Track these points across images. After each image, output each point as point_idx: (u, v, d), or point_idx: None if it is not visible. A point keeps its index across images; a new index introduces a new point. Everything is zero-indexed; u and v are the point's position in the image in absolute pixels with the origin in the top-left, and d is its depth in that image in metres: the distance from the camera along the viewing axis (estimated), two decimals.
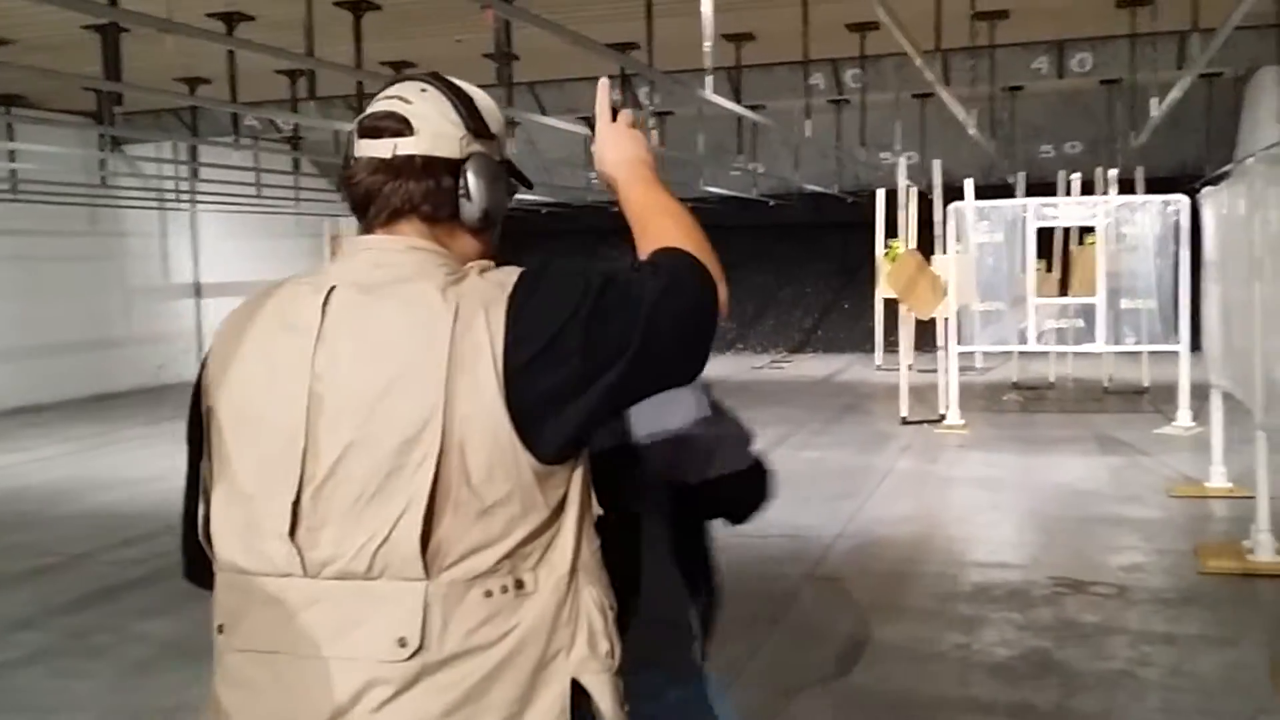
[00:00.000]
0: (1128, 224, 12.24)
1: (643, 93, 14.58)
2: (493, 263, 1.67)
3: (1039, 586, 6.21)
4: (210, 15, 10.11)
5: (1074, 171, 14.87)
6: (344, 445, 1.51)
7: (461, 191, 1.66)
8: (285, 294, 1.65)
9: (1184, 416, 10.95)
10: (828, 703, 4.75)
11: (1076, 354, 13.22)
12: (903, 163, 12.81)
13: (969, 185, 12.94)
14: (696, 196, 19.41)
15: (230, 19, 10.32)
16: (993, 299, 12.29)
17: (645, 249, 1.71)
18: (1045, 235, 13.44)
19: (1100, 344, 11.95)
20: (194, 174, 16.06)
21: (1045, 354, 13.45)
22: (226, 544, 1.60)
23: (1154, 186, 14.53)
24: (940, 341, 12.22)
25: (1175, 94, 8.99)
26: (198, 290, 18.47)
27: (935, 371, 12.58)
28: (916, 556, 7.00)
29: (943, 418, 11.75)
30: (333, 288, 1.59)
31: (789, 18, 10.75)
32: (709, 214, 22.33)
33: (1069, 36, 13.62)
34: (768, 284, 22.82)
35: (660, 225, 1.75)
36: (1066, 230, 14.30)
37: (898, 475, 9.47)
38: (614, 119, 1.89)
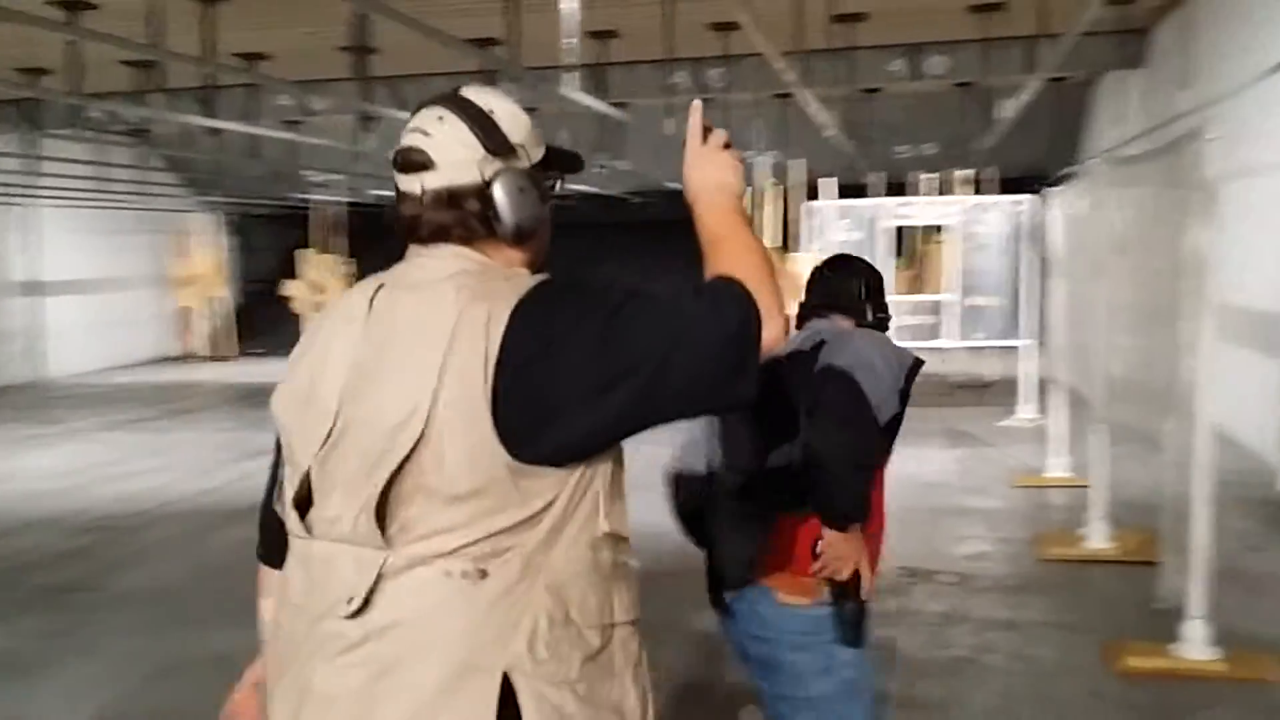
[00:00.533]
0: (979, 223, 12.62)
1: (505, 89, 14.46)
2: (527, 270, 1.78)
3: (886, 577, 6.32)
4: (49, 3, 9.68)
5: (930, 172, 15.28)
6: (351, 422, 1.65)
7: (490, 212, 1.74)
8: (352, 291, 1.81)
9: (1027, 409, 11.33)
10: (670, 697, 4.75)
11: (927, 348, 13.55)
12: (765, 161, 12.96)
13: (829, 184, 13.19)
14: (558, 194, 19.33)
15: (72, 7, 9.89)
16: None
17: (707, 275, 1.75)
18: (900, 233, 13.78)
19: (951, 339, 12.28)
20: (33, 168, 15.36)
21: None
22: (285, 507, 1.76)
23: (1005, 187, 15.03)
24: None
25: (1024, 97, 9.26)
26: (36, 289, 17.66)
27: None
28: None
29: None
30: (381, 285, 1.75)
31: (652, 16, 10.78)
32: (572, 212, 22.36)
33: (924, 40, 13.96)
34: (631, 282, 22.89)
35: (722, 254, 1.77)
36: (919, 229, 14.71)
37: None
38: (705, 140, 1.91)
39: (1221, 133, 4.68)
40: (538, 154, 1.82)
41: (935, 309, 12.41)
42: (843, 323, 3.00)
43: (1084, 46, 10.63)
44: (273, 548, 1.86)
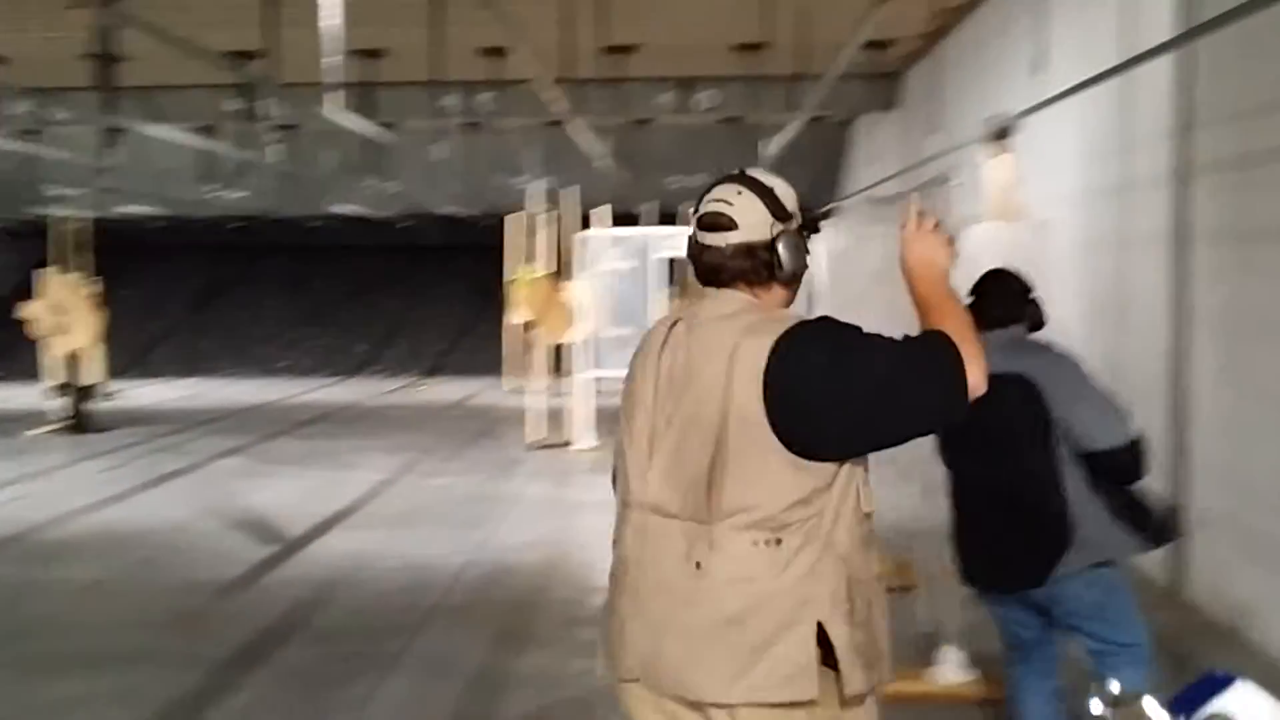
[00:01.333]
0: None
1: (266, 105, 13.91)
2: (787, 309, 2.41)
3: None
4: None
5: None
6: (668, 427, 2.31)
7: (775, 264, 2.35)
8: (663, 320, 2.48)
9: None
10: None
11: None
12: (536, 188, 12.89)
13: (601, 213, 13.23)
14: (321, 216, 18.77)
15: None
16: (623, 325, 12.56)
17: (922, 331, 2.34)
18: (671, 263, 13.94)
19: None
20: None
21: None
22: (621, 485, 2.43)
23: None
24: (572, 365, 12.36)
25: (788, 134, 9.52)
26: None
27: (567, 395, 12.71)
28: (545, 584, 6.95)
29: (570, 442, 11.87)
30: (677, 320, 2.41)
31: (420, 37, 10.57)
32: (336, 234, 21.76)
33: (693, 75, 14.25)
34: (400, 307, 22.42)
35: (934, 316, 2.32)
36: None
37: (528, 501, 9.45)
38: (919, 225, 2.44)
39: (964, 178, 4.89)
40: (799, 218, 2.41)
41: None
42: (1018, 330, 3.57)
43: (842, 88, 11.04)
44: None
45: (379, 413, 15.67)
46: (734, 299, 2.36)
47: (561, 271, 12.77)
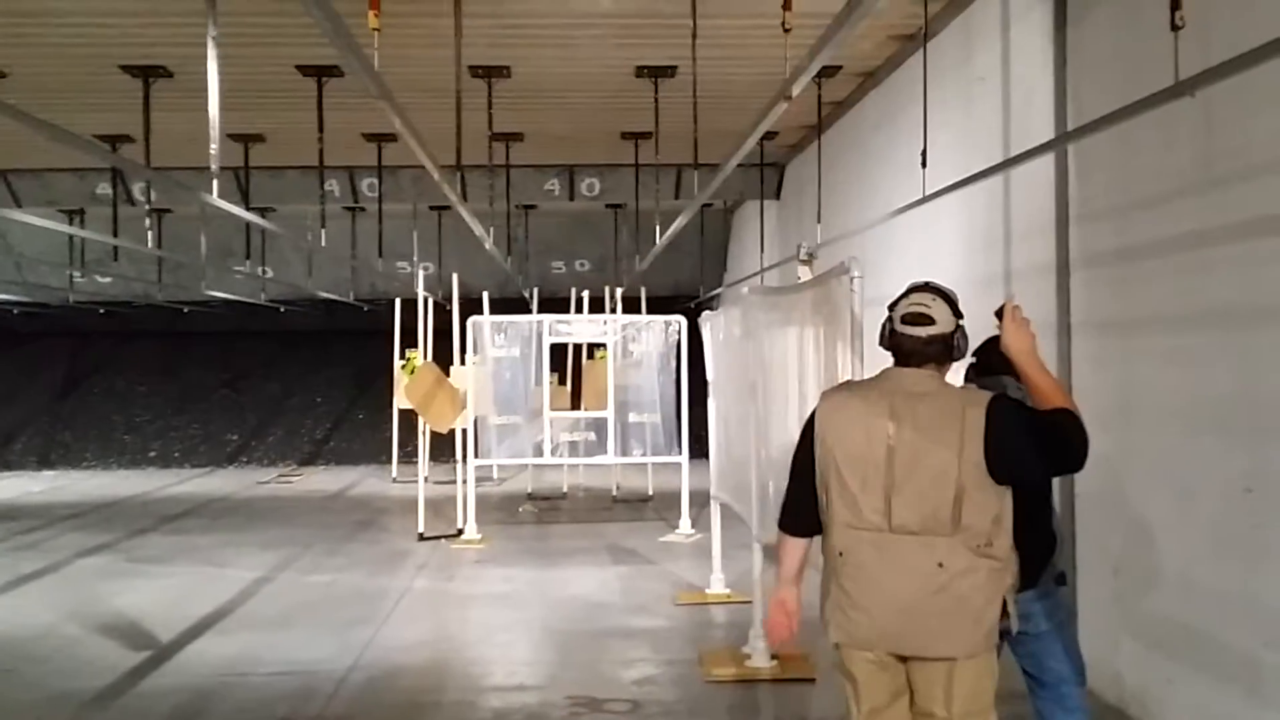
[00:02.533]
0: (634, 341, 12.88)
1: (138, 188, 13.53)
2: (972, 385, 3.85)
3: (556, 708, 6.11)
4: None
5: (584, 288, 15.55)
6: (909, 470, 3.35)
7: (955, 348, 3.51)
8: (866, 393, 3.51)
9: (685, 524, 11.54)
10: None
11: (588, 465, 13.61)
12: (420, 273, 12.71)
13: (486, 298, 13.10)
14: (198, 300, 18.27)
15: None
16: (509, 412, 12.40)
17: (1044, 406, 3.41)
18: (558, 350, 13.85)
19: (611, 456, 12.39)
20: None
21: (559, 465, 13.74)
22: (840, 511, 3.44)
23: (653, 305, 15.52)
24: (458, 454, 12.11)
25: (679, 223, 9.57)
26: None
27: (453, 483, 12.44)
28: (435, 685, 6.68)
29: (460, 532, 11.59)
30: (889, 394, 3.44)
31: (302, 121, 10.40)
32: (210, 319, 21.17)
33: (579, 162, 14.31)
34: (275, 393, 21.83)
35: (1054, 397, 3.42)
36: (578, 346, 14.86)
37: (415, 596, 9.14)
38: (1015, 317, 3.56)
39: (862, 271, 4.93)
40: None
41: (594, 425, 12.50)
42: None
43: (728, 177, 11.20)
44: (801, 526, 3.58)
45: (253, 505, 15.12)
46: (929, 376, 3.46)
47: (448, 356, 12.57)
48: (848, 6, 3.82)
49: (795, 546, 3.62)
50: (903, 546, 3.33)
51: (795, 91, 4.79)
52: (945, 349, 3.47)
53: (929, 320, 3.44)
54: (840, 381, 3.99)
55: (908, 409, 3.38)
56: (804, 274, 6.34)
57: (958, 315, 3.49)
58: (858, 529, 3.38)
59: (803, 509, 3.53)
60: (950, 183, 6.82)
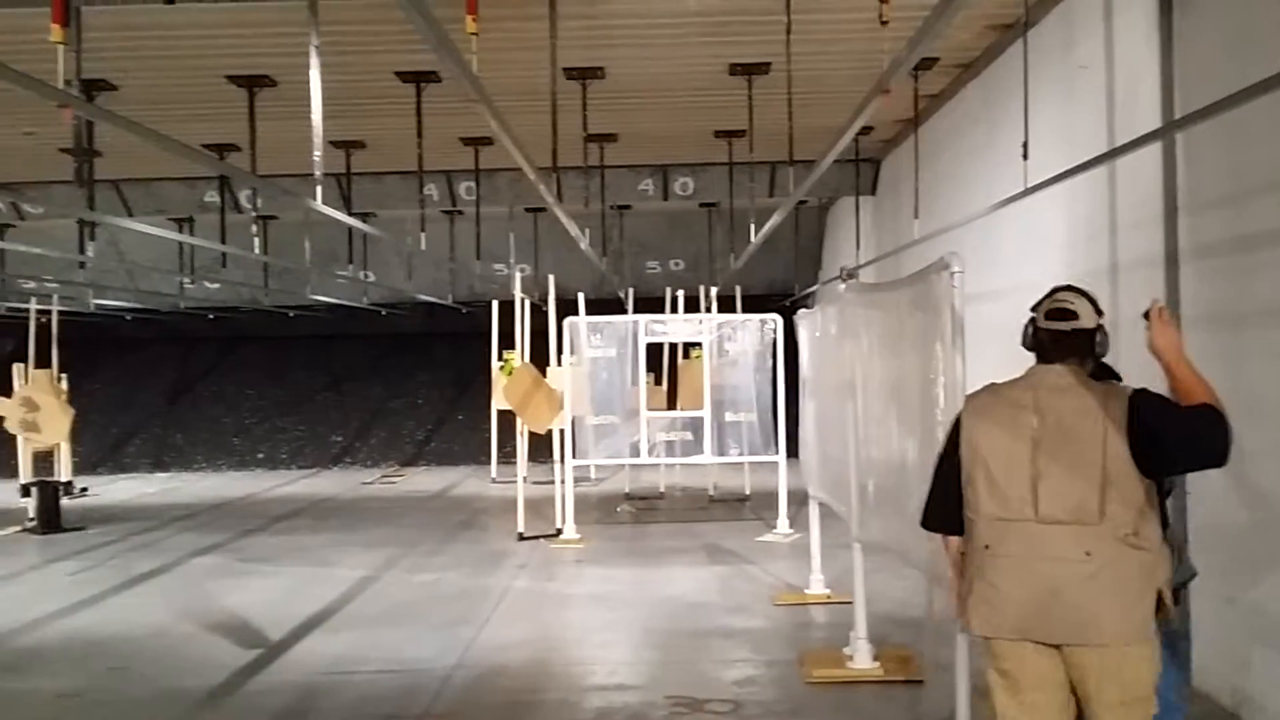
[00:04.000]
0: (729, 340, 12.84)
1: (244, 196, 13.87)
2: (1112, 379, 3.71)
3: (657, 708, 6.11)
4: None
5: (678, 288, 15.56)
6: (1053, 462, 3.48)
7: (1097, 344, 3.65)
8: (1009, 391, 3.67)
9: (783, 524, 11.47)
10: None
11: (684, 464, 13.60)
12: (517, 275, 12.84)
13: (581, 299, 13.17)
14: (303, 304, 18.67)
15: None
16: (606, 412, 12.45)
17: (1189, 402, 3.48)
18: (654, 349, 13.87)
19: (707, 455, 12.37)
20: None
21: (656, 465, 13.76)
22: (987, 505, 3.58)
23: (748, 303, 15.45)
24: (556, 454, 12.20)
25: (775, 220, 9.52)
26: None
27: (550, 484, 12.53)
28: (537, 684, 6.74)
29: (559, 532, 11.67)
30: (1030, 389, 3.61)
31: (401, 127, 10.58)
32: (314, 323, 21.63)
33: (672, 161, 14.32)
34: (378, 395, 22.22)
35: (1198, 391, 3.48)
36: (673, 345, 14.86)
37: (516, 595, 9.22)
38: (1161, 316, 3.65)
39: (962, 266, 4.83)
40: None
41: (691, 425, 12.49)
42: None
43: (824, 173, 11.12)
44: (943, 525, 3.81)
45: (358, 505, 15.41)
46: (1071, 371, 3.58)
47: (545, 357, 12.67)
48: None
49: (950, 544, 3.84)
50: (1050, 535, 3.46)
51: (893, 85, 4.73)
52: (1088, 344, 3.62)
53: (1072, 315, 3.61)
54: (982, 385, 3.85)
55: (1051, 403, 3.53)
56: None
57: (1099, 313, 3.65)
58: (1005, 520, 3.53)
59: (946, 508, 3.74)
60: (1053, 174, 6.67)
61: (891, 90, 4.88)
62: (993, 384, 3.73)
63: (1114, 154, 6.11)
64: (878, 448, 6.33)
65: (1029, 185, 7.02)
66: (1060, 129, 7.78)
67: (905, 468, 5.56)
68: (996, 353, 8.05)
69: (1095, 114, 7.22)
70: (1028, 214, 8.03)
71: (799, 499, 10.55)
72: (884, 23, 6.07)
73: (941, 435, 4.79)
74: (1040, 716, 3.51)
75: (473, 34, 6.22)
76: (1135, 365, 3.92)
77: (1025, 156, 7.15)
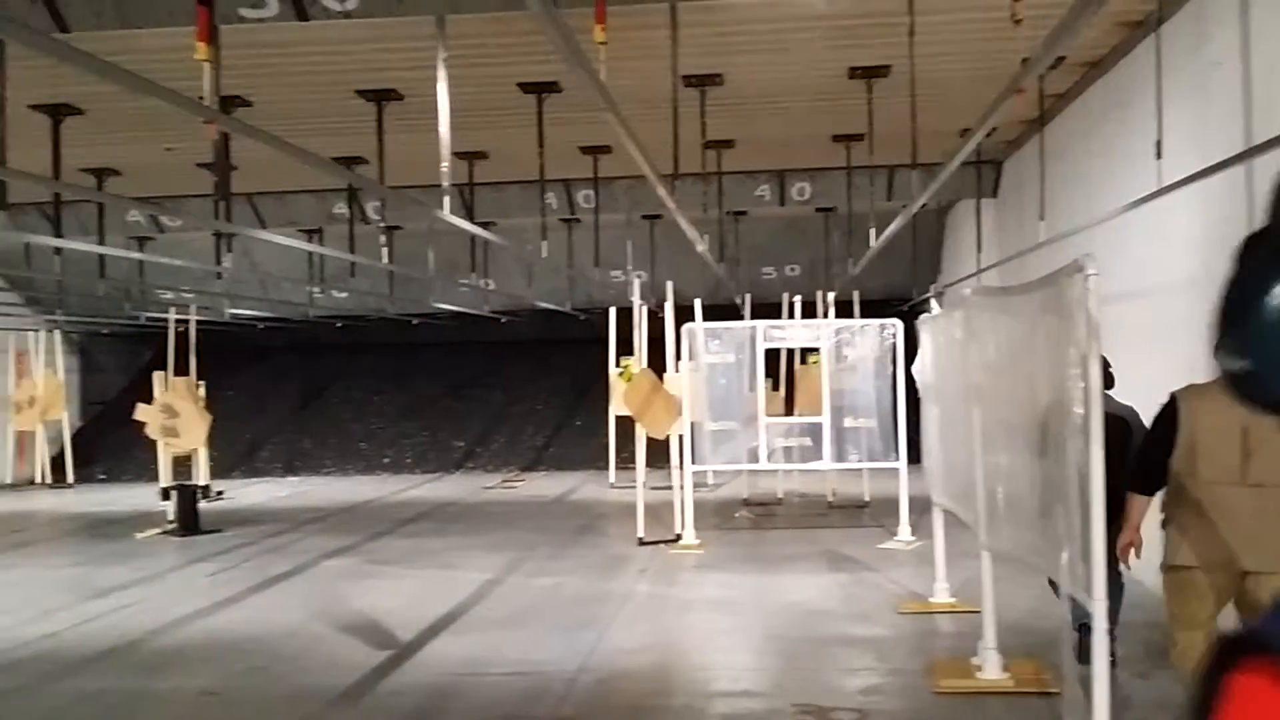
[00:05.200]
0: (848, 346, 12.74)
1: (371, 207, 14.23)
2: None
3: (783, 715, 6.10)
4: None
5: (793, 293, 15.50)
6: (1260, 443, 4.55)
7: None
8: (1214, 388, 3.89)
9: (905, 531, 11.33)
10: None
11: (803, 470, 13.53)
12: (635, 282, 12.92)
13: (698, 304, 13.20)
14: (426, 312, 19.07)
15: None
16: (724, 418, 12.45)
17: None
18: (771, 355, 13.83)
19: (826, 461, 12.29)
20: None
21: (773, 470, 13.70)
22: (1205, 472, 4.67)
23: (865, 308, 15.31)
24: (674, 459, 12.24)
25: (897, 224, 9.44)
26: None
27: (668, 489, 12.58)
28: (661, 689, 6.78)
29: (679, 537, 11.71)
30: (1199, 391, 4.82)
31: (523, 138, 10.74)
32: (436, 330, 22.06)
33: (789, 167, 14.27)
34: (498, 401, 22.57)
35: None
36: (790, 351, 14.80)
37: (637, 600, 9.29)
38: None
39: (1097, 268, 4.73)
40: None
41: (810, 431, 12.42)
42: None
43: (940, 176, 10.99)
44: (1149, 487, 4.97)
45: (480, 509, 15.67)
46: None
47: (661, 363, 12.73)
48: None
49: (1141, 502, 5.00)
50: (1257, 492, 4.56)
51: (1026, 84, 4.66)
52: None
53: None
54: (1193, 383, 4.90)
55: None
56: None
57: None
58: (1218, 484, 4.64)
59: (1153, 474, 4.90)
60: (1188, 174, 6.49)
61: (1023, 90, 4.80)
62: (1190, 385, 4.80)
63: (1252, 153, 5.92)
64: (1007, 454, 6.22)
65: (1163, 185, 6.83)
66: (1193, 127, 7.56)
67: (1039, 475, 5.46)
68: (1127, 355, 7.93)
69: (1231, 112, 7.00)
70: (1159, 215, 7.82)
71: (920, 506, 10.42)
72: (1017, 21, 5.96)
73: (1079, 439, 4.74)
74: (1206, 616, 4.74)
75: (601, 43, 6.29)
76: None
77: (1159, 156, 6.97)
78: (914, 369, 10.50)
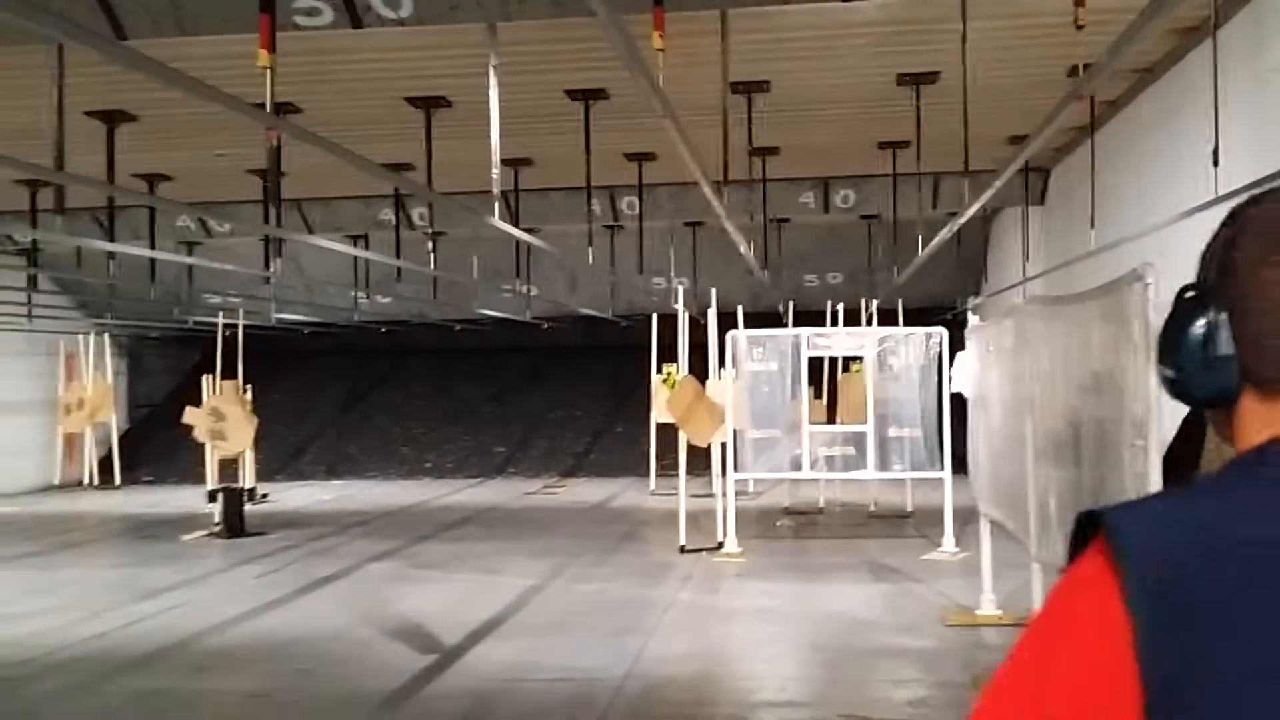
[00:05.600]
0: (893, 354, 12.66)
1: (417, 213, 14.32)
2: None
3: None
4: None
5: (836, 301, 15.43)
6: None
7: None
8: None
9: (949, 541, 11.25)
10: None
11: (845, 479, 13.45)
12: (679, 289, 12.92)
13: (740, 312, 13.17)
14: (469, 318, 19.15)
15: None
16: (767, 426, 12.41)
17: None
18: (814, 363, 13.78)
19: (870, 471, 12.21)
20: None
21: (815, 479, 13.65)
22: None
23: (908, 317, 15.21)
24: (716, 467, 12.21)
25: (947, 231, 9.39)
26: None
27: (708, 496, 12.55)
28: (706, 697, 6.76)
29: (720, 545, 11.67)
30: None
31: (568, 145, 10.77)
32: (478, 336, 22.17)
33: (834, 174, 14.22)
34: (539, 407, 22.63)
35: None
36: (833, 359, 14.74)
37: (680, 608, 9.27)
38: None
39: (1156, 277, 4.68)
40: None
41: (853, 440, 12.36)
42: None
43: (984, 182, 10.91)
44: (1187, 472, 4.39)
45: (522, 514, 15.71)
46: None
47: (703, 370, 12.71)
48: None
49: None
50: None
51: (1087, 90, 4.62)
52: None
53: None
54: None
55: None
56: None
57: None
58: None
59: (1183, 464, 4.58)
60: (1245, 183, 6.39)
61: (1084, 96, 4.76)
62: None
63: None
64: (1059, 465, 6.16)
65: (1219, 194, 6.74)
66: (1248, 135, 7.46)
67: (1093, 485, 5.41)
68: None
69: None
70: (1213, 223, 7.71)
71: (964, 516, 10.33)
72: (1080, 27, 5.88)
73: (1135, 449, 4.70)
74: None
75: (660, 50, 6.27)
76: None
77: (1215, 163, 6.87)
78: (952, 377, 10.43)
